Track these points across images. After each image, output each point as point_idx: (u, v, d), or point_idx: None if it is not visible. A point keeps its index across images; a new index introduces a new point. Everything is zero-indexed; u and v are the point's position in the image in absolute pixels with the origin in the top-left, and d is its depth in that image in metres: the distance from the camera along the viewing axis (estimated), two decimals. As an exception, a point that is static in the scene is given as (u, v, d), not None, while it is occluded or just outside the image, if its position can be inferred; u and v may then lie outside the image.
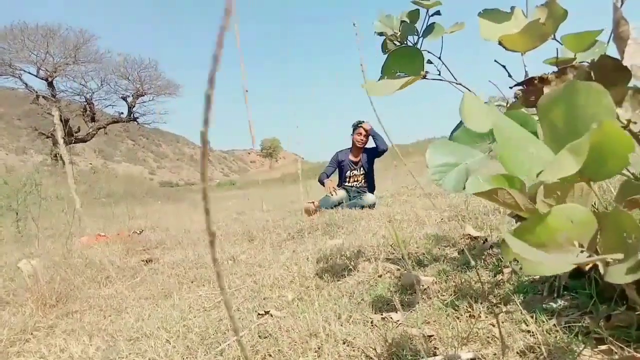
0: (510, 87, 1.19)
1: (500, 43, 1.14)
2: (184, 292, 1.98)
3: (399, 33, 1.34)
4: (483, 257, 1.56)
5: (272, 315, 1.45)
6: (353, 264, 1.86)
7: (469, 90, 1.39)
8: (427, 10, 1.29)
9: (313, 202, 4.01)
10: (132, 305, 1.90)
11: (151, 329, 1.50)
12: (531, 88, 1.12)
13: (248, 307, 1.60)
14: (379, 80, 1.35)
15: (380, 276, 1.67)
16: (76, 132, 19.34)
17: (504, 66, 1.22)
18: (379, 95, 1.21)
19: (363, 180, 4.48)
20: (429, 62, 1.37)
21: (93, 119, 20.44)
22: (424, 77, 1.29)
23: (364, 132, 4.33)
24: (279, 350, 1.17)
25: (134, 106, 20.76)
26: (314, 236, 2.92)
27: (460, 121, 1.29)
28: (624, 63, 0.84)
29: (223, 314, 1.57)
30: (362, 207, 4.18)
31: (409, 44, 1.35)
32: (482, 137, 0.96)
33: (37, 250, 3.70)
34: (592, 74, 0.93)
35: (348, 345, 1.12)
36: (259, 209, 7.44)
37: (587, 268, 0.85)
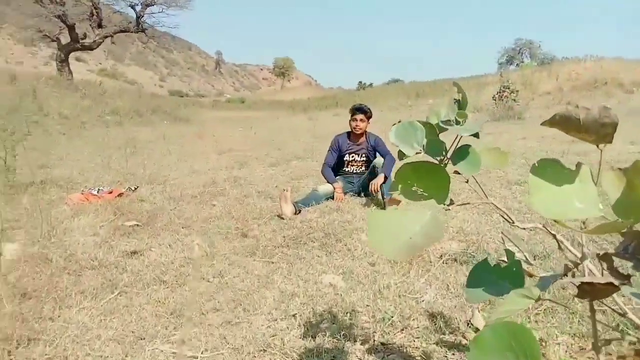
0: (563, 279, 0.92)
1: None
2: (158, 341, 1.81)
3: (424, 148, 1.02)
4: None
5: None
6: (344, 337, 1.67)
7: (510, 220, 1.10)
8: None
9: (286, 190, 3.46)
10: (96, 356, 1.73)
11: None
12: (589, 288, 0.85)
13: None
14: (391, 186, 1.06)
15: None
16: (82, 39, 18.57)
17: (554, 235, 0.92)
18: (388, 255, 0.93)
19: (364, 167, 4.13)
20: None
21: (100, 25, 19.52)
22: (448, 208, 1.00)
23: (359, 118, 4.01)
24: None
25: (142, 16, 19.73)
26: (309, 250, 2.72)
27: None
28: None
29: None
30: (368, 194, 3.92)
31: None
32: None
33: (24, 209, 3.52)
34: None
35: None
36: (263, 156, 7.20)
37: None
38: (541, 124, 0.76)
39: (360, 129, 4.01)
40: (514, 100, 13.78)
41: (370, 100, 25.44)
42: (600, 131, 0.69)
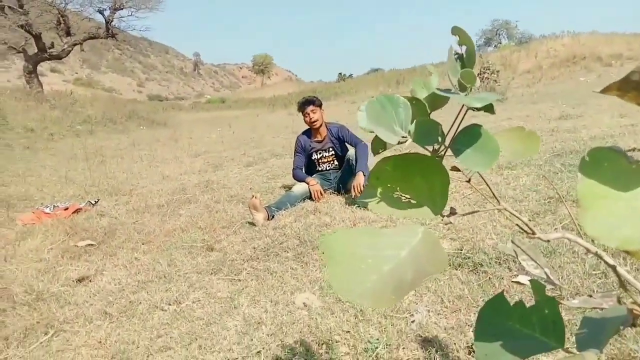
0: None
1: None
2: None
3: (410, 136, 0.66)
4: None
5: None
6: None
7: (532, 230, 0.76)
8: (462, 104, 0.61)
9: (255, 196, 3.11)
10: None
11: None
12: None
13: None
14: (365, 189, 0.70)
15: None
16: (50, 48, 17.82)
17: (609, 264, 0.59)
18: (360, 301, 0.58)
19: (335, 161, 3.79)
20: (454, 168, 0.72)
21: (68, 33, 18.77)
22: (448, 219, 0.65)
23: (310, 110, 3.67)
24: None
25: (111, 21, 18.99)
26: (282, 261, 2.37)
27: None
28: None
29: None
30: (347, 190, 3.58)
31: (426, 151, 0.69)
32: None
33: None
34: None
35: None
36: (239, 156, 6.82)
37: None
38: (601, 91, 0.41)
39: (317, 120, 3.67)
40: (495, 81, 13.60)
41: (351, 90, 25.07)
42: None
